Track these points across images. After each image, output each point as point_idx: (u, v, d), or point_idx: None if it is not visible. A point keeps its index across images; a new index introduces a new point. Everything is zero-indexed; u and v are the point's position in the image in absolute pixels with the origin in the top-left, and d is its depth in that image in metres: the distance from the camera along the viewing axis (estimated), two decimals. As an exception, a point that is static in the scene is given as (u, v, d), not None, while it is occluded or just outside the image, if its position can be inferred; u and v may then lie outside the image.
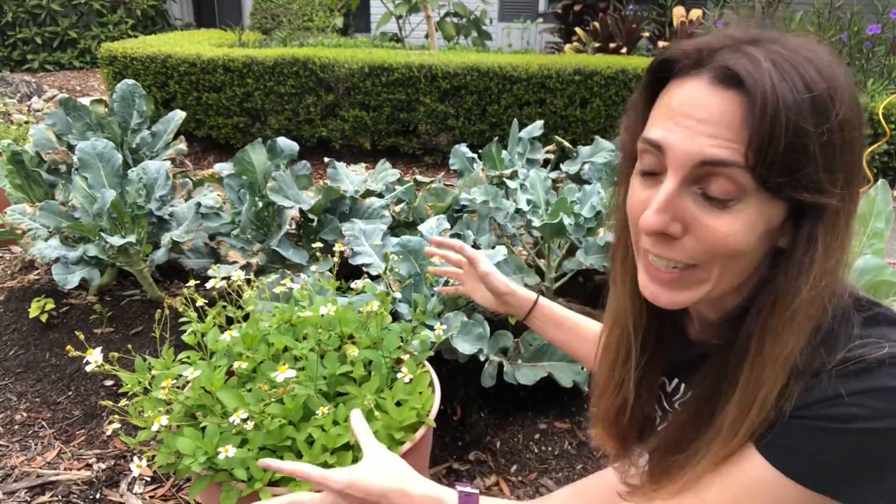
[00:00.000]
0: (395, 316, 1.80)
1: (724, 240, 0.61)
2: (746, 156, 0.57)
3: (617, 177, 0.77)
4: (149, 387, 1.12)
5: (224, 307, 1.28)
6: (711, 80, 0.60)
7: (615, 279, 0.82)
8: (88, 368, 1.02)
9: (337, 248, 1.42)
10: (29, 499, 1.64)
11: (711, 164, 0.59)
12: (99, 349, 1.05)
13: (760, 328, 0.65)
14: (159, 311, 1.26)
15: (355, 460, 1.08)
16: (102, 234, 2.24)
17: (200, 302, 1.29)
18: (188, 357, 1.20)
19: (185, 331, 1.22)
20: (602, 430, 0.90)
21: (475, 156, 2.68)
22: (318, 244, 1.67)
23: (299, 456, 1.07)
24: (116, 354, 1.14)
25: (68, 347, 1.14)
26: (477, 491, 0.80)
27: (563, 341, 1.16)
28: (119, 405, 1.12)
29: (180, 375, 1.12)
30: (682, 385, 0.82)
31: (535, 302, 1.14)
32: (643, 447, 0.87)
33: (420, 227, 2.06)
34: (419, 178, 2.67)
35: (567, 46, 6.33)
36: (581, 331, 1.13)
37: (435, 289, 1.25)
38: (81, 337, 1.28)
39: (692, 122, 0.60)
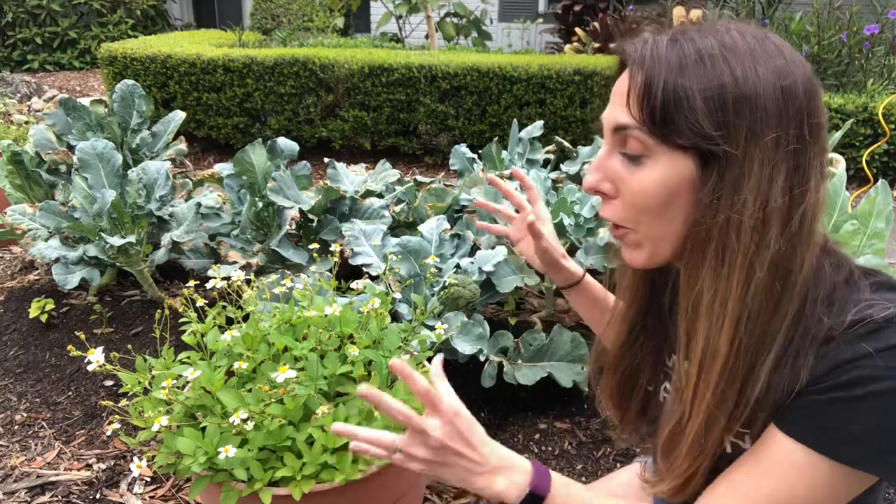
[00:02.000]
0: (395, 316, 1.80)
1: (640, 194, 0.68)
2: (634, 115, 0.66)
3: None
4: (149, 387, 1.12)
5: (224, 307, 1.28)
6: (620, 65, 0.72)
7: (619, 273, 0.89)
8: (90, 368, 1.02)
9: (334, 248, 1.42)
10: (29, 499, 1.64)
11: (619, 127, 0.69)
12: (100, 349, 1.05)
13: (683, 266, 0.70)
14: (159, 311, 1.26)
15: (355, 460, 1.08)
16: (102, 234, 2.24)
17: (200, 302, 1.29)
18: (188, 357, 1.20)
19: (185, 331, 1.22)
20: (606, 398, 0.94)
21: (475, 156, 2.68)
22: (316, 244, 1.66)
23: (299, 456, 1.07)
24: (117, 354, 1.14)
25: (69, 347, 1.14)
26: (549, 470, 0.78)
27: (597, 321, 1.14)
28: (119, 405, 1.12)
29: (180, 375, 1.12)
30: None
31: (581, 277, 1.13)
32: (652, 427, 0.88)
33: (420, 228, 2.06)
34: (419, 178, 2.67)
35: (567, 47, 6.33)
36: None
37: (477, 223, 1.17)
38: (83, 337, 1.28)
39: (613, 98, 0.71)
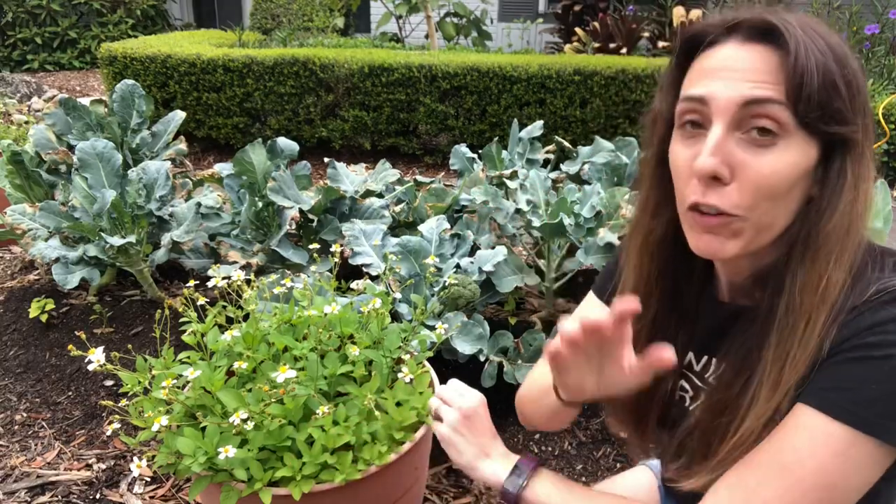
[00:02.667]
0: (396, 316, 1.80)
1: (767, 178, 0.65)
2: (786, 93, 0.63)
3: (643, 155, 0.81)
4: (149, 387, 1.12)
5: (224, 307, 1.28)
6: (744, 39, 0.66)
7: (630, 256, 0.84)
8: (90, 368, 1.02)
9: (334, 248, 1.42)
10: (29, 499, 1.64)
11: (754, 102, 0.64)
12: (101, 349, 1.05)
13: (796, 260, 0.67)
14: (159, 311, 1.26)
15: (355, 460, 1.08)
16: (102, 234, 2.24)
17: (201, 301, 1.29)
18: (188, 357, 1.20)
19: (185, 331, 1.22)
20: (618, 416, 0.90)
21: (475, 156, 2.68)
22: (315, 245, 1.66)
23: (299, 456, 1.07)
24: (117, 354, 1.14)
25: (70, 347, 1.14)
26: (534, 463, 0.85)
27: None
28: (119, 405, 1.12)
29: (180, 375, 1.12)
30: (714, 359, 0.81)
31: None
32: (669, 432, 0.85)
33: (420, 228, 2.06)
34: (419, 178, 2.67)
35: (567, 47, 6.33)
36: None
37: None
38: (83, 337, 1.28)
39: (730, 73, 0.66)
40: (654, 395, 0.85)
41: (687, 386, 0.85)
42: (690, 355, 0.84)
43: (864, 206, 0.67)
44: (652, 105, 0.79)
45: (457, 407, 0.94)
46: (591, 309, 0.96)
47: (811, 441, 0.63)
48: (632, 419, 0.89)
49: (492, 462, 0.87)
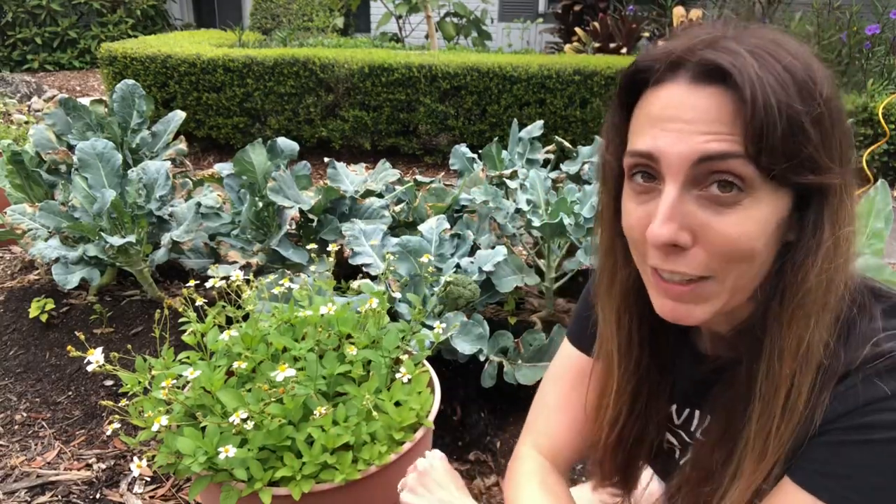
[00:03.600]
0: (395, 316, 1.80)
1: (736, 241, 0.57)
2: (745, 145, 0.55)
3: (599, 205, 0.73)
4: (149, 387, 1.12)
5: (224, 307, 1.28)
6: (692, 79, 0.57)
7: (604, 304, 0.77)
8: (90, 368, 1.02)
9: (331, 248, 1.42)
10: (29, 499, 1.64)
11: (710, 158, 0.56)
12: (100, 349, 1.05)
13: (772, 321, 0.60)
14: (159, 311, 1.26)
15: (355, 460, 1.08)
16: (102, 234, 2.24)
17: (200, 301, 1.29)
18: (188, 357, 1.20)
19: (185, 331, 1.23)
20: (603, 469, 0.84)
21: (475, 156, 2.68)
22: (313, 245, 1.66)
23: (299, 456, 1.07)
24: (116, 354, 1.14)
25: (69, 347, 1.14)
26: None
27: None
28: (119, 405, 1.12)
29: (180, 375, 1.12)
30: (697, 412, 0.77)
31: None
32: (663, 483, 0.83)
33: (420, 227, 2.06)
34: (419, 178, 2.67)
35: (567, 46, 6.33)
36: None
37: None
38: (82, 337, 1.28)
39: (680, 125, 0.57)
40: (639, 448, 0.80)
41: (673, 440, 0.82)
42: (673, 408, 0.80)
43: (846, 255, 0.58)
44: (600, 148, 0.71)
45: (412, 468, 0.94)
46: (569, 359, 0.90)
47: None
48: (618, 472, 0.83)
49: None
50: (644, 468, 0.85)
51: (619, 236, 0.69)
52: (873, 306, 0.61)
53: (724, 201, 0.57)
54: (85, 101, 2.79)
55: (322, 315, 1.19)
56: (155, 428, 1.02)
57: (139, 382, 1.12)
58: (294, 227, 2.57)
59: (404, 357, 1.27)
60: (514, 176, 2.43)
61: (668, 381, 0.78)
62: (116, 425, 1.08)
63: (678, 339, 0.76)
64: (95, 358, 1.03)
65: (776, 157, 0.55)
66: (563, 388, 0.90)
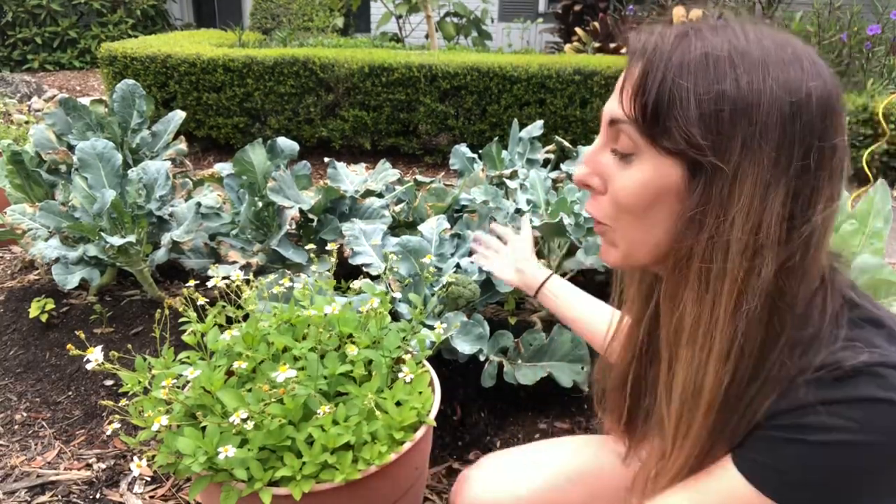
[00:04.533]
0: (396, 316, 1.80)
1: (623, 192, 0.66)
2: (631, 111, 0.63)
3: None
4: (149, 387, 1.12)
5: (224, 307, 1.28)
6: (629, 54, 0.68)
7: (626, 284, 0.86)
8: (89, 367, 1.02)
9: (329, 247, 1.42)
10: (29, 499, 1.64)
11: (613, 121, 0.66)
12: (99, 348, 1.05)
13: (666, 286, 0.68)
14: (159, 311, 1.26)
15: (355, 460, 1.08)
16: (102, 234, 2.24)
17: (201, 301, 1.29)
18: (188, 357, 1.20)
19: (185, 331, 1.23)
20: (613, 421, 0.92)
21: (475, 156, 2.68)
22: (311, 245, 1.66)
23: (299, 456, 1.07)
24: (116, 354, 1.14)
25: (69, 346, 1.14)
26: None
27: (573, 321, 1.21)
28: (119, 405, 1.12)
29: (180, 375, 1.12)
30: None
31: (546, 278, 1.26)
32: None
33: (420, 227, 2.06)
34: (419, 178, 2.67)
35: (567, 46, 6.33)
36: (588, 316, 1.18)
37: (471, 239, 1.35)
38: (82, 336, 1.28)
39: (615, 93, 0.67)
40: (639, 392, 0.87)
41: None
42: None
43: (740, 243, 0.59)
44: None
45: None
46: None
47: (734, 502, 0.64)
48: (621, 424, 0.90)
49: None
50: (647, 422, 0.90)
51: None
52: (842, 315, 0.63)
53: (623, 158, 0.66)
54: (85, 101, 2.79)
55: (325, 315, 1.19)
56: (155, 427, 1.02)
57: (139, 382, 1.12)
58: (294, 227, 2.57)
59: (406, 357, 1.27)
60: (514, 176, 2.43)
61: None
62: (116, 425, 1.08)
63: None
64: (95, 357, 1.03)
65: (652, 125, 0.62)
66: None
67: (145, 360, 1.15)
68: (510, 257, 1.42)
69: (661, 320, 0.69)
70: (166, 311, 1.25)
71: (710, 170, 0.59)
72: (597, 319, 1.14)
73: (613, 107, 0.66)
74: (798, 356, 0.61)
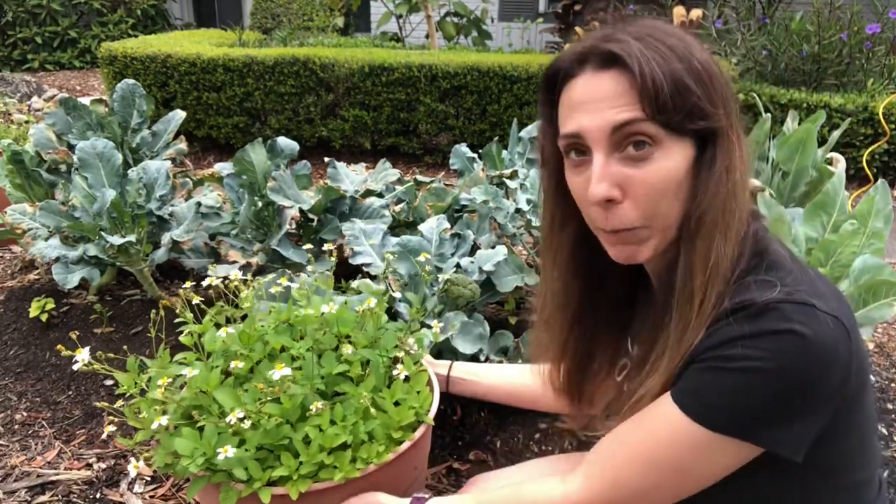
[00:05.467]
0: (395, 316, 1.80)
1: (655, 186, 0.72)
2: (644, 109, 0.69)
3: (541, 181, 0.91)
4: (145, 387, 1.12)
5: (222, 307, 1.28)
6: (595, 68, 0.73)
7: (546, 268, 0.96)
8: (75, 367, 1.02)
9: (327, 247, 1.42)
10: (29, 498, 1.64)
11: (621, 126, 0.70)
12: (87, 348, 1.05)
13: (685, 243, 0.74)
14: (154, 311, 1.26)
15: (353, 460, 1.08)
16: (102, 233, 2.24)
17: (196, 300, 1.29)
18: (184, 358, 1.20)
19: (183, 331, 1.22)
20: (555, 386, 1.04)
21: (475, 156, 2.68)
22: (309, 245, 1.66)
23: (296, 456, 1.06)
24: (114, 355, 1.14)
25: (59, 347, 1.14)
26: (427, 496, 0.97)
27: (492, 389, 1.28)
28: (116, 406, 1.12)
29: (178, 375, 1.12)
30: (636, 346, 0.91)
31: (449, 367, 1.30)
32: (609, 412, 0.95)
33: (420, 227, 2.06)
34: (419, 177, 2.67)
35: (567, 46, 6.33)
36: (504, 376, 1.27)
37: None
38: (74, 337, 1.28)
39: (594, 105, 0.72)
40: (586, 367, 0.99)
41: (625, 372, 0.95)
42: (634, 346, 0.93)
43: (739, 186, 0.72)
44: (537, 136, 0.88)
45: None
46: None
47: (672, 434, 0.73)
48: (564, 389, 1.02)
49: None
50: (596, 394, 1.01)
51: (558, 207, 0.88)
52: (762, 259, 0.74)
53: (640, 157, 0.71)
54: (85, 100, 2.79)
55: (322, 314, 1.19)
56: (154, 426, 1.02)
57: (135, 384, 1.11)
58: (294, 226, 2.57)
59: (402, 356, 1.27)
60: (514, 175, 2.43)
61: (626, 321, 0.94)
62: (112, 427, 1.08)
63: (631, 284, 0.93)
64: (82, 357, 1.03)
65: (670, 113, 0.69)
66: None
67: (138, 360, 1.15)
68: None
69: (687, 274, 0.75)
70: (162, 312, 1.25)
71: (716, 133, 0.71)
72: (512, 374, 1.25)
73: (613, 115, 0.70)
74: (726, 293, 0.72)
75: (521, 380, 1.22)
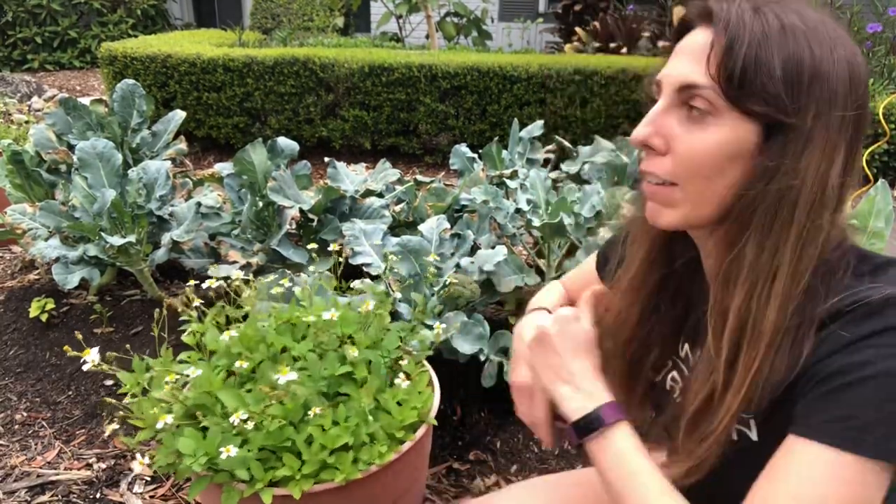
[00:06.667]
0: (396, 316, 1.80)
1: (697, 152, 0.68)
2: (714, 76, 0.65)
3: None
4: (147, 387, 1.12)
5: (223, 307, 1.28)
6: (697, 20, 0.71)
7: (632, 244, 0.86)
8: (85, 368, 1.02)
9: (332, 247, 1.42)
10: (29, 499, 1.64)
11: (687, 87, 0.68)
12: (96, 349, 1.05)
13: (727, 233, 0.70)
14: (158, 311, 1.25)
15: (355, 461, 1.08)
16: (102, 233, 2.24)
17: (197, 302, 1.29)
18: (188, 357, 1.20)
19: (184, 331, 1.22)
20: (612, 376, 0.87)
21: (475, 156, 2.68)
22: (313, 245, 1.66)
23: (299, 456, 1.07)
24: (115, 354, 1.14)
25: (66, 347, 1.14)
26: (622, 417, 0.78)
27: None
28: (118, 405, 1.12)
29: (181, 375, 1.12)
30: (694, 347, 0.82)
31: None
32: (655, 415, 0.87)
33: (420, 227, 2.06)
34: (419, 177, 2.67)
35: (567, 46, 6.33)
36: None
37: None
38: (79, 337, 1.28)
39: (678, 57, 0.70)
40: (637, 376, 0.88)
41: (677, 377, 0.86)
42: (687, 346, 0.85)
43: (808, 195, 0.65)
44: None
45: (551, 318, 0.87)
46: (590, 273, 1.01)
47: (825, 475, 0.61)
48: (619, 382, 0.87)
49: (570, 392, 0.80)
50: (644, 397, 0.90)
51: None
52: (858, 266, 0.68)
53: (694, 120, 0.68)
54: (85, 100, 2.79)
55: (324, 320, 1.19)
56: (159, 425, 1.02)
57: (138, 383, 1.11)
58: (294, 226, 2.57)
59: (405, 357, 1.27)
60: (514, 176, 2.43)
61: (677, 316, 0.85)
62: (115, 426, 1.08)
63: (692, 279, 0.83)
64: (91, 357, 1.03)
65: (733, 85, 0.64)
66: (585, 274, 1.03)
67: (143, 360, 1.15)
68: None
69: (709, 263, 0.72)
70: (164, 312, 1.25)
71: (789, 129, 0.65)
72: None
73: (687, 72, 0.68)
74: (823, 298, 0.65)
75: None
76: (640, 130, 0.71)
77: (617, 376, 0.88)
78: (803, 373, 0.64)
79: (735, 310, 0.68)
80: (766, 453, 0.67)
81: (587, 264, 1.04)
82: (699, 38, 0.68)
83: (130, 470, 1.72)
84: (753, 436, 0.71)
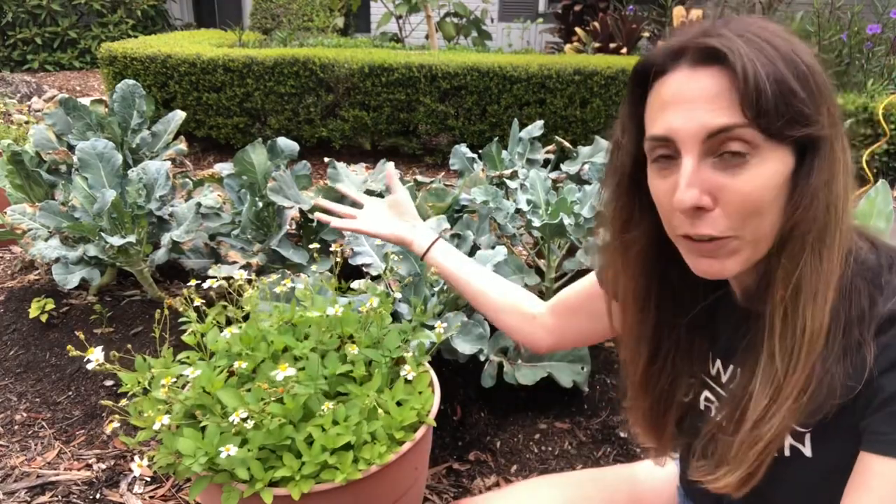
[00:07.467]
0: (396, 316, 1.80)
1: (750, 195, 0.65)
2: (745, 113, 0.63)
3: (608, 181, 0.81)
4: (148, 387, 1.12)
5: (224, 307, 1.28)
6: (692, 64, 0.66)
7: (619, 273, 0.83)
8: (89, 367, 1.02)
9: (334, 248, 1.42)
10: (29, 499, 1.64)
11: (717, 132, 0.64)
12: (99, 348, 1.05)
13: (782, 260, 0.67)
14: (159, 310, 1.25)
15: (356, 460, 1.08)
16: (102, 234, 2.24)
17: (198, 302, 1.29)
18: (188, 357, 1.20)
19: (185, 331, 1.22)
20: (639, 423, 0.90)
21: (475, 156, 2.68)
22: (315, 245, 1.66)
23: (299, 456, 1.06)
24: (117, 354, 1.14)
25: (69, 347, 1.14)
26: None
27: (460, 288, 1.17)
28: (119, 405, 1.12)
29: (181, 375, 1.12)
30: (732, 366, 0.81)
31: (436, 239, 1.21)
32: (691, 438, 0.84)
33: (420, 227, 2.06)
34: (419, 178, 2.67)
35: (567, 46, 6.33)
36: (477, 276, 1.16)
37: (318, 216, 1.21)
38: (82, 336, 1.28)
39: (687, 105, 0.66)
40: (670, 403, 0.85)
41: (712, 397, 0.84)
42: (718, 364, 0.83)
43: (841, 198, 0.66)
44: (613, 131, 0.78)
45: None
46: (590, 286, 1.00)
47: None
48: (648, 425, 0.88)
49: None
50: (671, 426, 0.88)
51: (626, 207, 0.79)
52: (882, 256, 0.68)
53: (735, 164, 0.65)
54: (85, 101, 2.79)
55: (326, 316, 1.19)
56: (157, 426, 1.02)
57: (139, 383, 1.11)
58: (294, 227, 2.57)
59: (406, 356, 1.27)
60: (514, 176, 2.43)
61: (708, 339, 0.83)
62: (116, 425, 1.08)
63: (716, 299, 0.82)
64: (95, 357, 1.03)
65: (772, 118, 0.63)
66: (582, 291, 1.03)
67: (145, 360, 1.15)
68: (386, 213, 1.27)
69: (772, 290, 0.69)
70: (165, 311, 1.25)
71: (819, 142, 0.65)
72: (485, 279, 1.15)
73: (711, 118, 0.64)
74: (877, 300, 0.65)
75: (510, 299, 1.13)
76: (688, 195, 0.65)
77: (645, 416, 0.88)
78: (867, 384, 0.63)
79: (796, 325, 0.66)
80: (819, 469, 0.68)
81: (580, 284, 1.03)
82: (708, 82, 0.65)
83: (130, 470, 1.72)
84: (807, 451, 0.71)
